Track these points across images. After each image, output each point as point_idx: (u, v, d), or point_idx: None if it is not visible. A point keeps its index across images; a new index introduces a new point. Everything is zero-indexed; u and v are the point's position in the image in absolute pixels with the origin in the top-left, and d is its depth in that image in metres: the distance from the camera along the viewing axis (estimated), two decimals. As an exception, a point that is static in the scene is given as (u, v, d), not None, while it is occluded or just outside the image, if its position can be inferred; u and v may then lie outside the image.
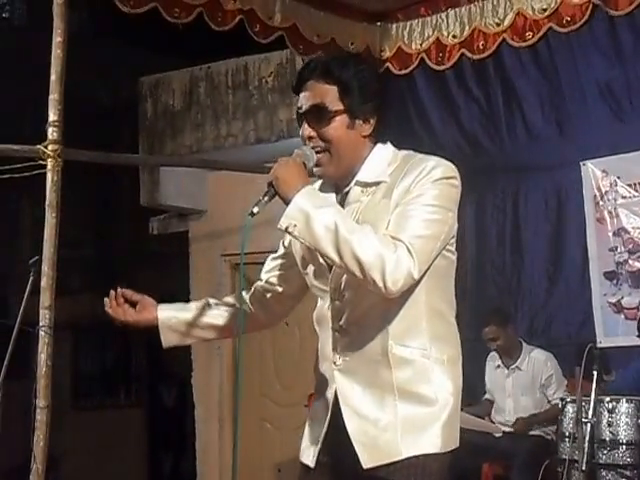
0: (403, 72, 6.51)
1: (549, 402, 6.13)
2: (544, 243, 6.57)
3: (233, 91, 8.21)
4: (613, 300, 6.24)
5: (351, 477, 2.70)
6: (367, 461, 2.62)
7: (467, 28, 6.20)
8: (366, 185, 2.72)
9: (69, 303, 9.47)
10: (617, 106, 6.16)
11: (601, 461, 4.98)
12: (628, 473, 4.94)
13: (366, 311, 2.66)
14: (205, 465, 8.92)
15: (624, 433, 4.97)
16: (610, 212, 6.27)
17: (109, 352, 11.38)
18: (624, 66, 6.07)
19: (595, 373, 4.76)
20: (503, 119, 6.60)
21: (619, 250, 6.24)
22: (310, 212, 2.54)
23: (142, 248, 10.33)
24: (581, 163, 6.34)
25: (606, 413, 5.00)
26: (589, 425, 4.78)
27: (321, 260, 2.68)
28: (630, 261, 6.20)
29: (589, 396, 4.83)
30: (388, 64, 6.51)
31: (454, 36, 6.25)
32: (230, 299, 3.10)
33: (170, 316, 3.04)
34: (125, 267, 10.98)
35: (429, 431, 2.63)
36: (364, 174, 2.73)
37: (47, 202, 4.25)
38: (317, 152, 2.70)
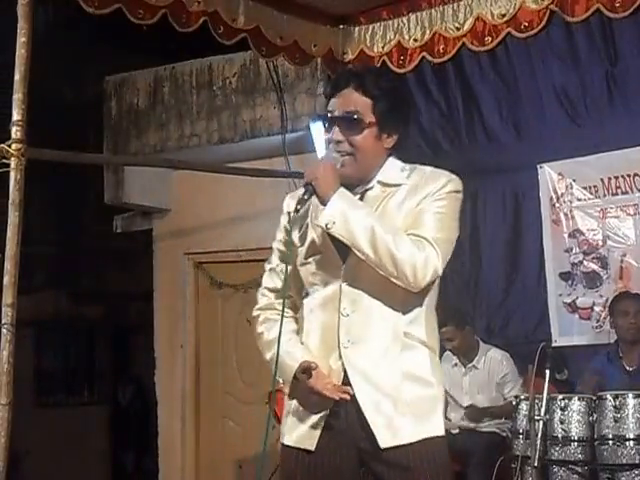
0: (365, 75, 6.60)
1: (505, 400, 6.21)
2: (502, 244, 6.65)
3: (197, 91, 8.26)
4: (568, 300, 6.35)
5: (363, 457, 2.89)
6: (385, 441, 2.83)
7: (428, 32, 6.27)
8: (387, 185, 2.97)
9: (33, 301, 9.46)
10: (573, 110, 6.27)
11: (553, 457, 5.07)
12: (579, 469, 5.03)
13: (380, 298, 2.89)
14: (167, 463, 8.96)
15: (576, 430, 5.06)
16: (566, 214, 6.37)
17: (72, 350, 11.35)
18: (580, 71, 6.19)
19: (548, 372, 4.85)
20: (462, 122, 6.69)
21: (574, 251, 6.35)
22: (348, 212, 2.81)
23: (106, 246, 10.34)
24: (538, 166, 6.44)
25: (558, 411, 5.09)
26: (541, 422, 4.86)
27: (332, 248, 2.90)
28: (585, 262, 6.31)
29: (542, 394, 4.93)
30: (357, 66, 6.59)
31: (415, 40, 6.32)
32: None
33: None
34: (89, 265, 10.98)
35: (434, 413, 2.91)
36: (385, 176, 2.98)
37: (10, 201, 4.27)
38: (342, 155, 2.93)
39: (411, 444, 2.84)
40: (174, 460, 8.87)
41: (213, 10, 5.59)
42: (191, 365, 8.86)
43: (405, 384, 2.86)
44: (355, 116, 2.91)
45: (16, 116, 4.38)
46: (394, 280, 2.82)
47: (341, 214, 2.79)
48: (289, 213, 3.03)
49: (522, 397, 5.39)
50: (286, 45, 6.06)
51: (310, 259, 2.97)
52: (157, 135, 8.48)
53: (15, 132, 4.37)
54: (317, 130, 7.52)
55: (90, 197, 9.95)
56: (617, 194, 6.18)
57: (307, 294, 3.01)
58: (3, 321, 4.13)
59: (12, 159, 4.29)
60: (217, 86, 8.15)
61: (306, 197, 2.87)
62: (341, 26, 6.48)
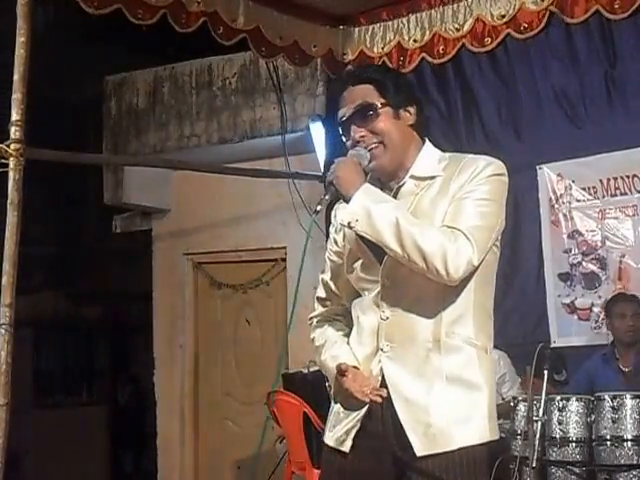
0: (365, 75, 6.59)
1: (503, 400, 6.20)
2: (500, 245, 6.64)
3: (197, 91, 8.27)
4: (567, 301, 6.34)
5: (399, 464, 2.79)
6: (421, 449, 2.72)
7: (428, 33, 6.28)
8: (420, 179, 2.86)
9: (31, 301, 9.47)
10: (572, 111, 6.25)
11: (551, 458, 5.05)
12: (577, 470, 5.02)
13: (419, 299, 2.79)
14: (166, 463, 8.97)
15: (574, 431, 5.04)
16: (565, 215, 6.36)
17: (71, 350, 11.37)
18: (579, 72, 6.18)
19: (546, 372, 4.85)
20: (462, 123, 6.67)
21: (573, 252, 6.33)
22: (371, 207, 2.68)
23: (105, 246, 10.35)
24: (537, 167, 6.41)
25: (556, 411, 5.08)
26: (540, 423, 4.86)
27: (369, 253, 2.81)
28: (584, 263, 6.30)
29: (541, 395, 4.93)
30: (350, 67, 6.59)
31: (415, 40, 6.33)
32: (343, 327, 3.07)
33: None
34: (88, 265, 10.99)
35: (477, 419, 2.76)
36: (418, 169, 2.87)
37: (9, 201, 4.27)
38: (370, 149, 2.84)
39: (447, 452, 2.72)
40: (173, 460, 8.88)
41: (213, 10, 5.60)
42: (190, 365, 8.87)
43: (448, 388, 2.75)
44: (365, 103, 2.84)
45: (15, 116, 4.38)
46: (428, 275, 2.70)
47: (364, 210, 2.68)
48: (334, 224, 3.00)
49: (520, 398, 5.38)
50: (286, 45, 6.07)
51: (354, 265, 2.90)
52: (157, 135, 8.49)
53: (14, 132, 4.37)
54: (317, 130, 7.53)
55: (90, 197, 9.96)
56: (616, 195, 6.17)
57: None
58: (1, 321, 4.13)
59: (11, 159, 4.29)
60: (217, 86, 8.16)
61: (327, 197, 2.77)
62: (341, 27, 6.49)
